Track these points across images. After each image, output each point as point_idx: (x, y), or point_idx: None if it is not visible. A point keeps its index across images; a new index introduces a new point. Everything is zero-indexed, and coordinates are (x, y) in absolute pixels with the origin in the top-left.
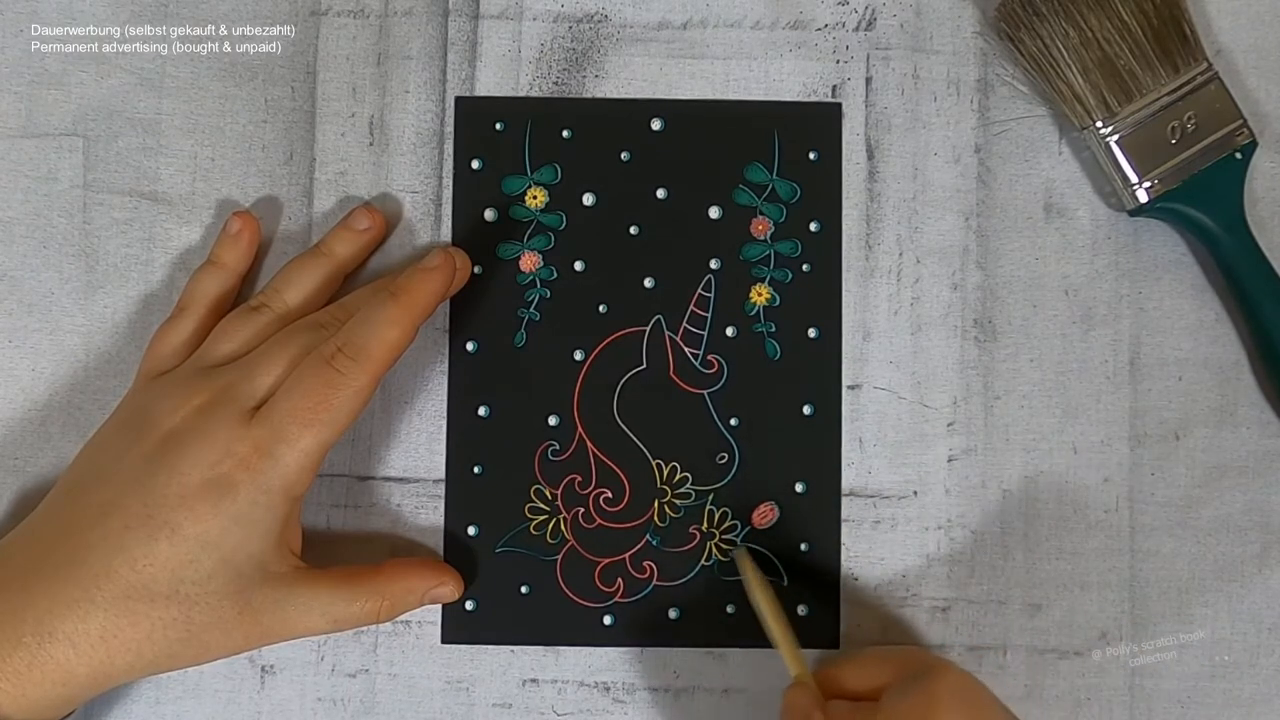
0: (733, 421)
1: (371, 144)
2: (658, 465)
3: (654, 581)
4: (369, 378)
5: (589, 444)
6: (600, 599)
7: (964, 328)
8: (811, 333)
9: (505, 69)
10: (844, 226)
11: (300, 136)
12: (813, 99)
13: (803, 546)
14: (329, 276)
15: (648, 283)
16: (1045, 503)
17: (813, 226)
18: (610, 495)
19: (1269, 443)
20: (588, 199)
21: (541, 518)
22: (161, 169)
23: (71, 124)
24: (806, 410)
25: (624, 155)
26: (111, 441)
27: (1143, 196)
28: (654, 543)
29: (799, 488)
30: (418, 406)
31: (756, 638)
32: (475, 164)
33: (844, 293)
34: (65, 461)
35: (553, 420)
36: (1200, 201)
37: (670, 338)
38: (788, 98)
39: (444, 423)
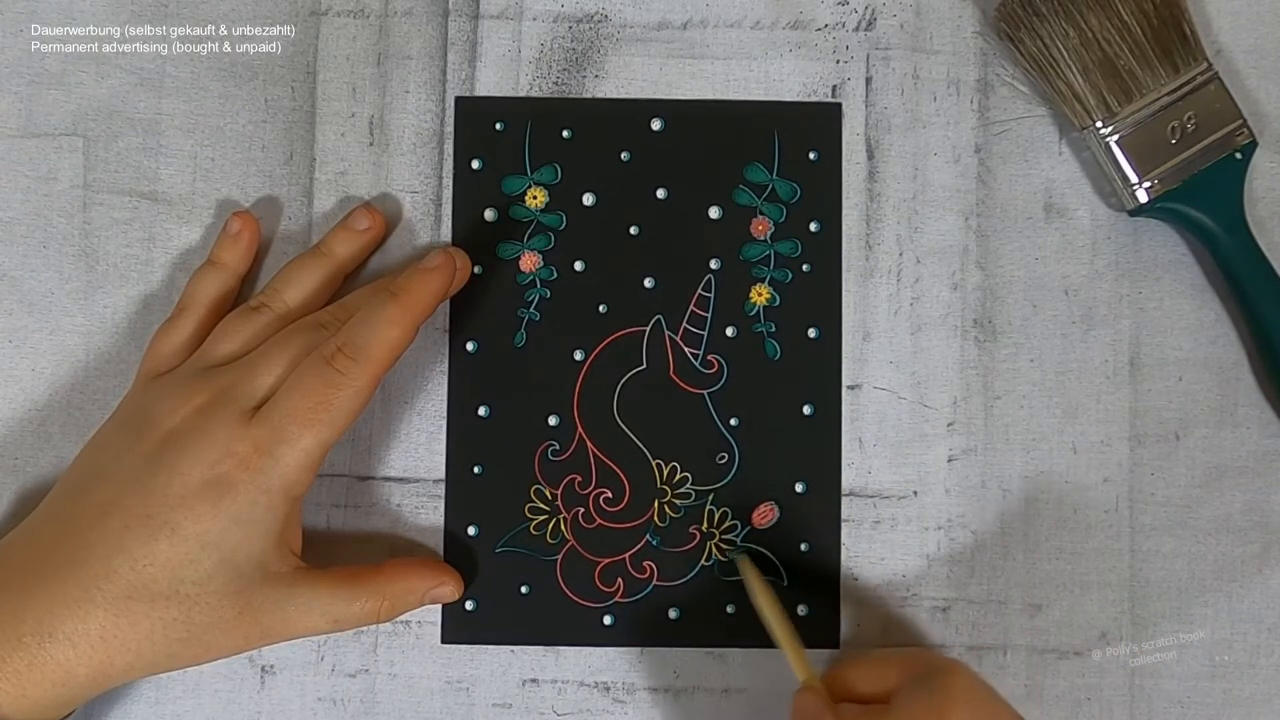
0: (733, 421)
1: (371, 144)
2: (658, 465)
3: (654, 581)
4: (369, 378)
5: (589, 444)
6: (600, 599)
7: (964, 328)
8: (811, 333)
9: (505, 69)
10: (844, 226)
11: (300, 136)
12: (813, 99)
13: (803, 546)
14: (329, 276)
15: (648, 283)
16: (1045, 503)
17: (813, 226)
18: (610, 495)
19: (1269, 443)
20: (588, 199)
21: (541, 518)
22: (161, 169)
23: (71, 124)
24: (806, 410)
25: (624, 155)
26: (111, 441)
27: (1143, 196)
28: (654, 543)
29: (799, 488)
30: (418, 406)
31: (756, 638)
32: (475, 164)
33: (844, 293)
34: (65, 461)
35: (553, 420)
36: (1200, 201)
37: (670, 338)
38: (788, 98)
39: (444, 423)
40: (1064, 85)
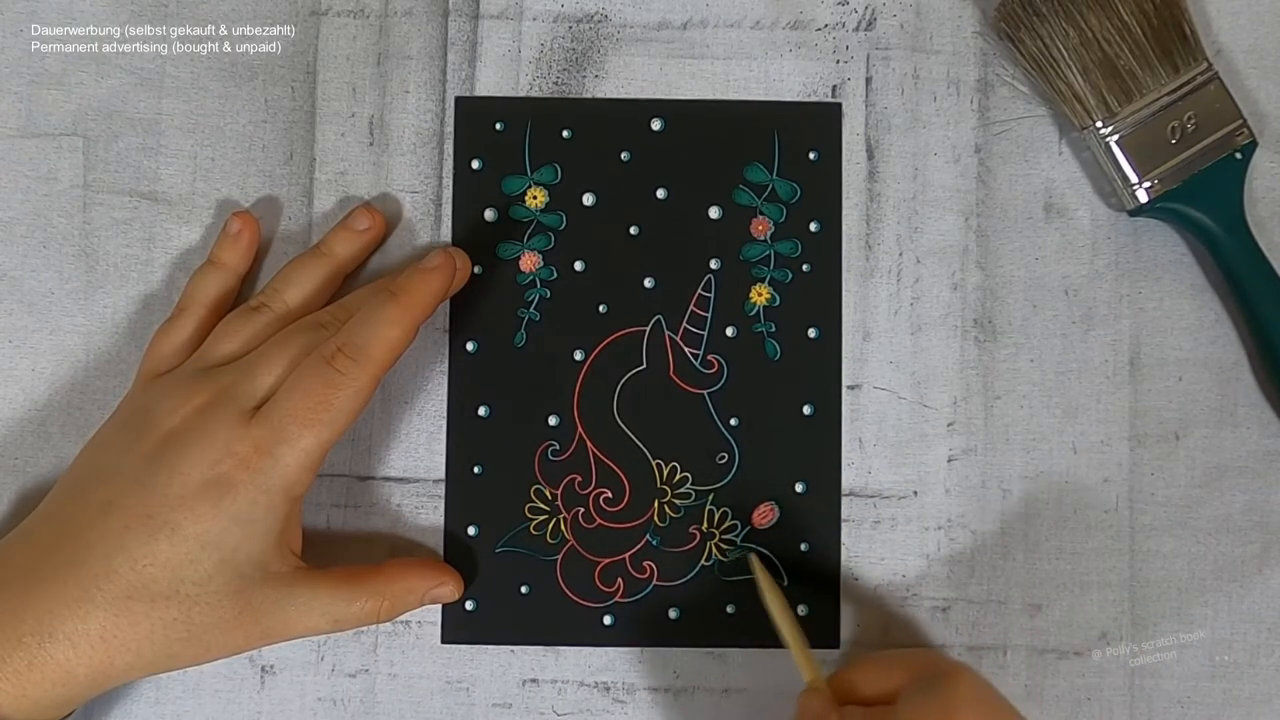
0: (733, 421)
1: (371, 144)
2: (658, 465)
3: (654, 581)
4: (369, 378)
5: (589, 444)
6: (600, 599)
7: (964, 328)
8: (811, 333)
9: (505, 69)
10: (844, 226)
11: (300, 136)
12: (813, 99)
13: (803, 546)
14: (329, 276)
15: (648, 283)
16: (1045, 503)
17: (813, 226)
18: (610, 495)
19: (1269, 443)
20: (588, 199)
21: (541, 518)
22: (161, 169)
23: (71, 124)
24: (806, 410)
25: (624, 155)
26: (112, 441)
27: (1143, 196)
28: (654, 543)
29: (799, 488)
30: (418, 406)
31: (756, 638)
32: (475, 164)
33: (844, 293)
34: (65, 461)
35: (553, 420)
36: (1200, 201)
37: (670, 338)
38: (788, 98)
39: (444, 423)
40: (1064, 85)
